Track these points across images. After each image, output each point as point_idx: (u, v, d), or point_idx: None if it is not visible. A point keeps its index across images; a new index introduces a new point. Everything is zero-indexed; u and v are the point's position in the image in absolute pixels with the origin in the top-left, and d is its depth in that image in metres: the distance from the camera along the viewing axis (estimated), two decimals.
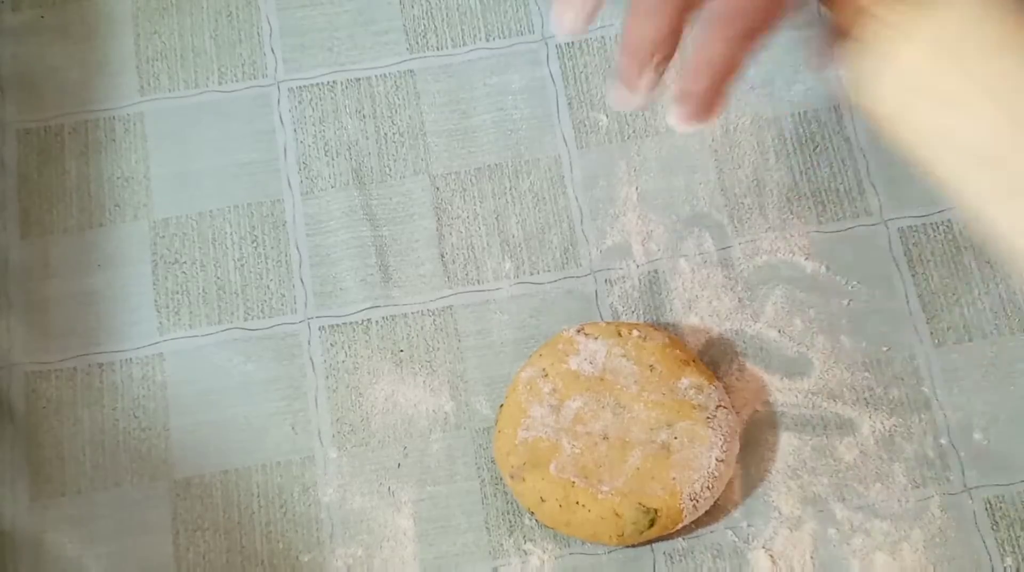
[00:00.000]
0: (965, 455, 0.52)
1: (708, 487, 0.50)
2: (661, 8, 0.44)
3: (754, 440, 0.53)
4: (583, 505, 0.50)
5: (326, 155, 0.58)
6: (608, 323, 0.54)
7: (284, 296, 0.56)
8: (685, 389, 0.51)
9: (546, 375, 0.52)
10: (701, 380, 0.52)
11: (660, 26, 0.44)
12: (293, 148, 0.58)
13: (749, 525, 0.51)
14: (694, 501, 0.50)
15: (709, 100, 0.44)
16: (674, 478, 0.50)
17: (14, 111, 0.59)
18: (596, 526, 0.50)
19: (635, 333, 0.53)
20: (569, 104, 0.59)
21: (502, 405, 0.53)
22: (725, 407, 0.52)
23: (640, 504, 0.50)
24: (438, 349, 0.55)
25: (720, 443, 0.50)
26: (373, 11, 0.61)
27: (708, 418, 0.51)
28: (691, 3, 0.44)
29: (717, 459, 0.50)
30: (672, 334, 0.54)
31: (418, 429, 0.54)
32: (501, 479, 0.52)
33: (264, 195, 0.58)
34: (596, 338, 0.53)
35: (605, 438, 0.51)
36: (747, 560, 0.51)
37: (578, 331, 0.53)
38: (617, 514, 0.50)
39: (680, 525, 0.50)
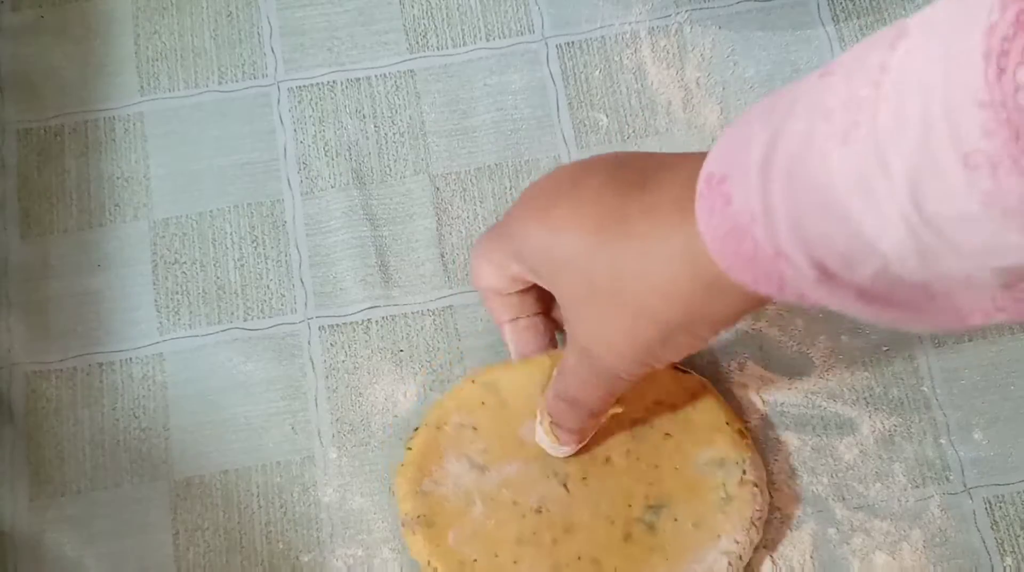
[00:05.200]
0: (965, 455, 0.52)
1: None
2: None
3: (754, 440, 0.52)
4: None
5: (326, 155, 0.58)
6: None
7: (284, 296, 0.56)
8: (704, 464, 0.45)
9: (476, 429, 0.45)
10: (727, 450, 0.45)
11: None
12: (293, 148, 0.58)
13: None
14: None
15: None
16: None
17: (14, 111, 0.59)
18: None
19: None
20: (569, 104, 0.59)
21: (417, 429, 0.49)
22: (756, 484, 0.44)
23: None
24: (438, 349, 0.55)
25: (733, 533, 0.42)
26: (373, 11, 0.61)
27: (723, 499, 0.43)
28: None
29: (723, 551, 0.42)
30: (709, 384, 0.46)
31: None
32: None
33: (264, 195, 0.58)
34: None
35: (538, 512, 0.44)
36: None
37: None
38: None
39: None
